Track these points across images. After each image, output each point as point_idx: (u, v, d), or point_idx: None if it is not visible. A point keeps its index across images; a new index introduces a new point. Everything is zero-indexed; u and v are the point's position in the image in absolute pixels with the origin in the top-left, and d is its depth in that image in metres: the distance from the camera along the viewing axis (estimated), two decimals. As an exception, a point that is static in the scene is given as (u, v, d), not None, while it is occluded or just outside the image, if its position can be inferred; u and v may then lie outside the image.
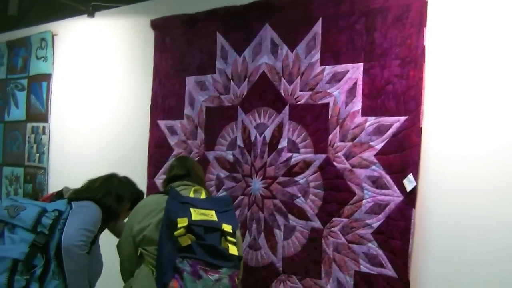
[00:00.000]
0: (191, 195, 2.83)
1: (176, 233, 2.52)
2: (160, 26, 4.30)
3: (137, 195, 3.21)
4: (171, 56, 4.21)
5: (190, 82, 4.09)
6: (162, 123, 4.24)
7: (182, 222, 2.56)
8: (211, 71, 3.96)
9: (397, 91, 3.04)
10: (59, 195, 3.07)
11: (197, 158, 3.98)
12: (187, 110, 4.09)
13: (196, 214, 2.64)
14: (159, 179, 4.16)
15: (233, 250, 2.61)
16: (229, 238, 2.62)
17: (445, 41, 2.94)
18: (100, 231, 2.99)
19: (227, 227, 2.64)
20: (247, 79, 3.76)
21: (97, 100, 4.84)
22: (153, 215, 2.75)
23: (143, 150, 4.31)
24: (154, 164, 4.26)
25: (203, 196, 2.87)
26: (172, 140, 4.18)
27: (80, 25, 5.01)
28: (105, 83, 4.78)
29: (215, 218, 2.68)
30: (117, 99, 4.60)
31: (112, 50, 4.70)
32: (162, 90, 4.24)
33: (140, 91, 4.41)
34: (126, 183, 3.20)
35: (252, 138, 3.71)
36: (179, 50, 4.16)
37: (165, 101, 4.23)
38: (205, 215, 2.67)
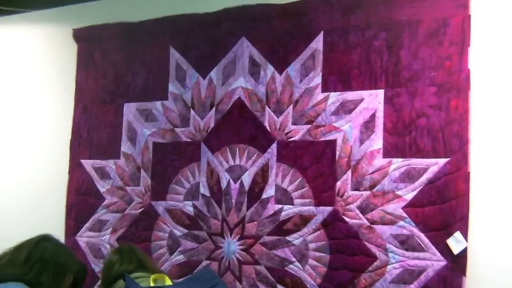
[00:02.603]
0: (152, 285, 2.06)
1: None
2: (87, 38, 3.49)
3: (80, 266, 2.32)
4: (102, 75, 3.38)
5: (130, 110, 3.26)
6: (88, 164, 3.35)
7: None
8: (161, 97, 3.19)
9: (434, 126, 2.53)
10: None
11: (140, 210, 3.10)
12: (125, 147, 3.25)
13: None
14: (83, 237, 3.25)
15: None
16: None
17: (493, 63, 2.50)
18: None
19: None
20: (214, 107, 3.03)
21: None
22: None
23: (59, 198, 3.39)
24: (75, 217, 3.33)
25: (168, 282, 2.11)
26: (102, 186, 3.29)
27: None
28: (4, 111, 3.81)
29: None
30: (22, 132, 3.57)
31: (16, 68, 3.73)
32: (88, 120, 3.39)
33: (55, 121, 3.52)
34: (65, 248, 2.33)
35: (223, 185, 2.95)
36: (114, 69, 3.35)
37: (92, 134, 3.36)
38: None
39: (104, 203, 3.25)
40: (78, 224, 3.30)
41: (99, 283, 2.31)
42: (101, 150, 3.31)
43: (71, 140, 3.41)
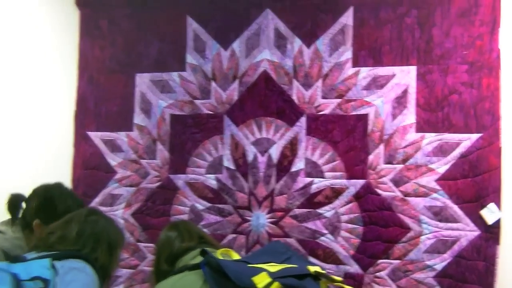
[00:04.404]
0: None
1: None
2: (91, 4, 3.21)
3: None
4: (110, 44, 3.16)
5: (144, 81, 3.09)
6: (96, 136, 3.14)
7: (262, 279, 1.64)
8: (178, 68, 3.04)
9: (466, 102, 2.60)
10: None
11: (158, 184, 2.99)
12: (138, 119, 3.08)
13: (269, 266, 1.75)
14: (94, 214, 3.02)
15: None
16: (333, 277, 1.78)
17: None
18: None
19: (316, 268, 1.77)
20: (238, 79, 2.93)
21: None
22: None
23: (65, 172, 3.14)
24: (83, 192, 3.11)
25: (236, 257, 1.99)
26: (113, 159, 3.11)
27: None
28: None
29: (288, 266, 1.81)
30: (22, 103, 3.22)
31: (13, 35, 3.23)
32: (95, 91, 3.17)
33: (58, 92, 3.20)
34: (112, 222, 2.16)
35: (249, 158, 2.89)
36: (123, 38, 3.14)
37: (100, 105, 3.15)
38: (275, 266, 1.78)
39: (116, 176, 3.07)
40: (87, 199, 3.07)
41: (155, 263, 2.17)
42: (111, 122, 3.11)
43: (75, 111, 3.18)
